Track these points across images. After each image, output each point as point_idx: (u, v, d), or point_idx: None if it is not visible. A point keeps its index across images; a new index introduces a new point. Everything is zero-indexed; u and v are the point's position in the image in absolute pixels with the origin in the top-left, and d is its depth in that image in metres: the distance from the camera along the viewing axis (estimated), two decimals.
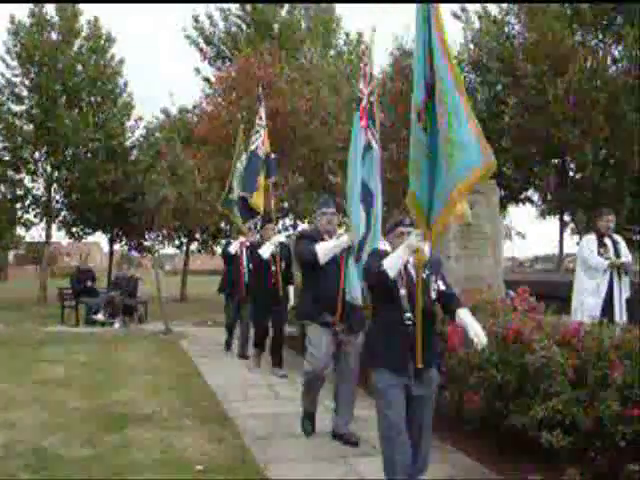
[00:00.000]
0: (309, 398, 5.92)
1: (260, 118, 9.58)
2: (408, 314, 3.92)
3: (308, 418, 6.01)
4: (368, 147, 5.20)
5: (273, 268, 8.68)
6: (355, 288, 5.28)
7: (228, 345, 10.92)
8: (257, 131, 9.50)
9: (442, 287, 4.13)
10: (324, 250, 5.48)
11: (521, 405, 4.61)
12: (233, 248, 10.40)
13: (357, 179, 5.15)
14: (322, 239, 5.68)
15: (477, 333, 3.91)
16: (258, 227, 9.87)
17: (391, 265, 3.83)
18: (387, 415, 3.96)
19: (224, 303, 11.09)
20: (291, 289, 9.06)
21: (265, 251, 8.52)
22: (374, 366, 4.07)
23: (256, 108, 10.23)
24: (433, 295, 4.06)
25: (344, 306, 5.46)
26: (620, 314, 7.71)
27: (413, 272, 4.00)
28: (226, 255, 10.58)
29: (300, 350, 10.37)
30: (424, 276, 3.97)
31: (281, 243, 8.82)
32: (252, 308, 9.52)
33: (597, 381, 4.27)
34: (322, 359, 5.58)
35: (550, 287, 10.46)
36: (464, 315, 4.06)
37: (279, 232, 9.22)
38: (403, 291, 3.97)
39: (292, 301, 8.96)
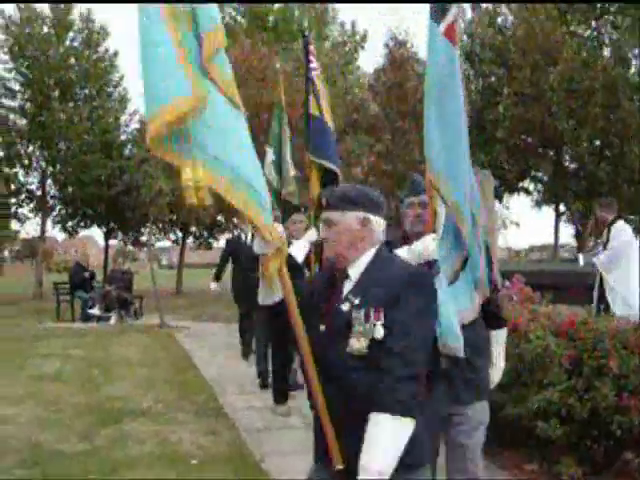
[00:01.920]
0: None
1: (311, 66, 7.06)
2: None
3: None
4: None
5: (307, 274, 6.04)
6: (450, 330, 2.88)
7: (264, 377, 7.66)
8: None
9: (380, 334, 2.15)
10: None
11: (517, 395, 4.60)
12: None
13: (461, 130, 3.03)
14: (406, 244, 3.31)
15: None
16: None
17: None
18: None
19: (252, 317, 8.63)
20: None
21: (298, 252, 5.65)
22: None
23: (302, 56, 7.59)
24: (357, 345, 2.17)
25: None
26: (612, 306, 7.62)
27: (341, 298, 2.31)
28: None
29: None
30: (344, 307, 2.26)
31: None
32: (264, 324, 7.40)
33: (593, 371, 4.26)
34: None
35: (546, 277, 10.46)
36: (370, 433, 2.07)
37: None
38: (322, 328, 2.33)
39: None
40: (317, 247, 6.11)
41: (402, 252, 3.10)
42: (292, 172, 8.20)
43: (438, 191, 3.04)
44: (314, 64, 6.97)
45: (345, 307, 2.25)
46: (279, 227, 2.42)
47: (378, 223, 2.37)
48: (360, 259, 2.33)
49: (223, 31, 2.33)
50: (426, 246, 3.09)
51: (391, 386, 2.06)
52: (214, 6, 2.30)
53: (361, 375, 2.16)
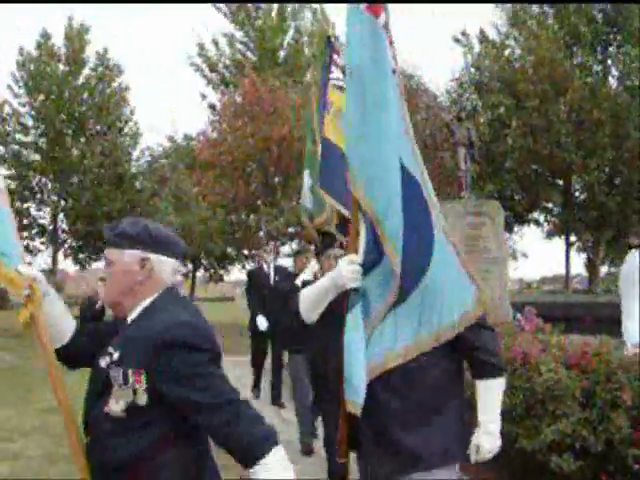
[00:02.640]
0: None
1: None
2: None
3: None
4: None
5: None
6: (348, 382, 2.43)
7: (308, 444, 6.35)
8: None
9: (142, 401, 1.89)
10: (307, 297, 2.73)
11: (530, 428, 4.54)
12: (310, 275, 5.80)
13: (387, 135, 2.45)
14: None
15: None
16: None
17: None
18: None
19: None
20: None
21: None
22: None
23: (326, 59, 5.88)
24: (114, 406, 1.92)
25: (350, 423, 2.53)
26: None
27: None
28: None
29: None
30: (103, 362, 2.00)
31: None
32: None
33: (606, 403, 4.21)
34: None
35: (558, 308, 10.39)
36: None
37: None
38: None
39: None
40: None
41: (324, 280, 2.67)
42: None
43: (359, 203, 2.53)
44: (334, 74, 5.68)
45: (104, 362, 1.98)
46: (28, 271, 2.09)
47: (163, 264, 2.07)
48: (140, 306, 2.03)
49: None
50: (339, 273, 2.52)
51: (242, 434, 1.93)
52: None
53: (120, 441, 1.90)
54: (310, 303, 2.65)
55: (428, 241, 2.42)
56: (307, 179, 6.84)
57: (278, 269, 8.73)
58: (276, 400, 8.39)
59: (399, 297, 2.41)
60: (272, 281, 8.52)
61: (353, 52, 2.51)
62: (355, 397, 2.36)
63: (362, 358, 2.37)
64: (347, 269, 2.49)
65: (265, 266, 8.89)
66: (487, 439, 2.46)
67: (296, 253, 7.31)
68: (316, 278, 5.24)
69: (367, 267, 2.51)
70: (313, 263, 5.91)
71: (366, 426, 2.42)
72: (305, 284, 5.08)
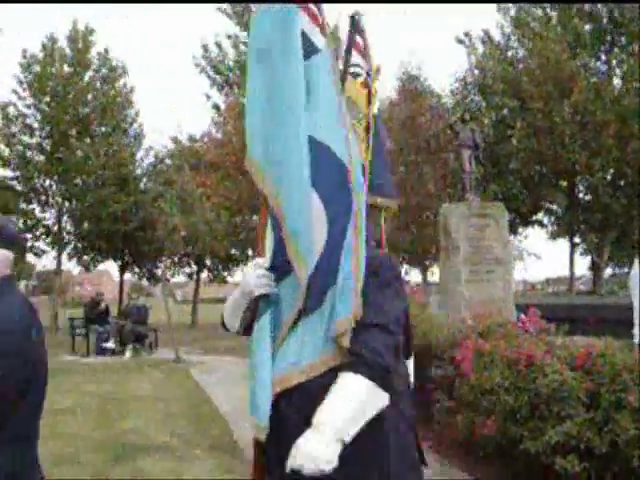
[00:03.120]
0: None
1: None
2: None
3: None
4: (310, 49, 2.20)
5: None
6: (260, 399, 2.06)
7: None
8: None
9: None
10: (226, 307, 2.37)
11: (534, 430, 4.53)
12: None
13: (294, 122, 2.07)
14: None
15: None
16: None
17: None
18: None
19: None
20: (410, 364, 2.71)
21: None
22: None
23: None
24: None
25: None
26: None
27: None
28: None
29: None
30: None
31: None
32: None
33: (612, 404, 4.20)
34: None
35: (562, 309, 10.37)
36: None
37: None
38: None
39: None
40: None
41: (237, 288, 2.25)
42: None
43: (262, 191, 2.18)
44: (357, 59, 4.03)
45: None
46: None
47: None
48: None
49: None
50: (245, 277, 2.16)
51: None
52: None
53: None
54: (228, 312, 2.32)
55: (340, 240, 2.03)
56: None
57: None
58: None
59: (306, 308, 2.04)
60: None
61: (261, 35, 2.26)
62: (257, 419, 2.02)
63: (266, 374, 2.05)
64: (253, 274, 2.12)
65: None
66: (311, 438, 1.74)
67: None
68: None
69: (281, 271, 2.12)
70: None
71: (272, 448, 2.02)
72: None
